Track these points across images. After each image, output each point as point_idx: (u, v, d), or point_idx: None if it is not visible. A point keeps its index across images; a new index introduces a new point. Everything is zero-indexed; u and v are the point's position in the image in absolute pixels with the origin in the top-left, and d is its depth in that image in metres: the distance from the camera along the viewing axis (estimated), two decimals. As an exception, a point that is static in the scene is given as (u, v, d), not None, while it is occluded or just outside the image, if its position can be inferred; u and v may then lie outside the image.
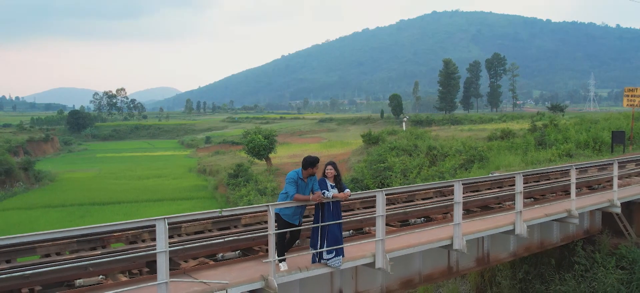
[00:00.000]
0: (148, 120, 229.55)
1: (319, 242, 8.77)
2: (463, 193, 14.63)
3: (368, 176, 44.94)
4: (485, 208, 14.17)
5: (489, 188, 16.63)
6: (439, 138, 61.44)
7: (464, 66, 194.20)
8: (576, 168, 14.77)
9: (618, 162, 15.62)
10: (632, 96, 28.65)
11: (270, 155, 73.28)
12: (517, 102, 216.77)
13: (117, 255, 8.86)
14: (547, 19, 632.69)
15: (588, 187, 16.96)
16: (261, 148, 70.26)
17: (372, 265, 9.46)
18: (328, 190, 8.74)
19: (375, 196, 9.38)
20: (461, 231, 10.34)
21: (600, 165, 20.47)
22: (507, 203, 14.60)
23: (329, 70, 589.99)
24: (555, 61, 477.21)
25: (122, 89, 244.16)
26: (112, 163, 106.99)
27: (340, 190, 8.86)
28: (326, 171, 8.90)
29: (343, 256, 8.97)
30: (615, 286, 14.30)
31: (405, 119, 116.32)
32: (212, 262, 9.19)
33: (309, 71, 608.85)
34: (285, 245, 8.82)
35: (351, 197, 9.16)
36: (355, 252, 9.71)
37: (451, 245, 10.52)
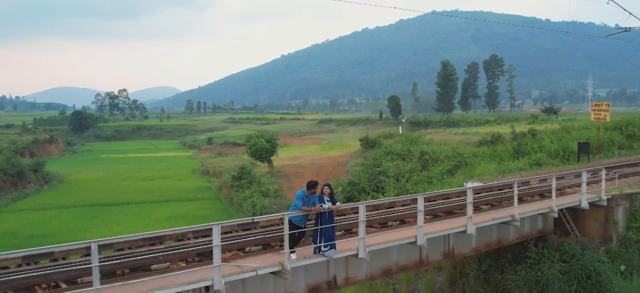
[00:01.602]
0: (149, 120, 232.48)
1: (318, 239, 12.40)
2: (431, 200, 18.21)
3: (364, 179, 48.03)
4: (450, 213, 17.64)
5: (451, 198, 20.13)
6: (432, 142, 64.70)
7: (464, 66, 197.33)
8: (535, 179, 18.24)
9: (578, 171, 19.10)
10: (598, 110, 32.10)
11: (272, 158, 76.43)
12: (516, 102, 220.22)
13: (175, 248, 12.40)
14: (546, 18, 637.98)
15: (539, 194, 20.45)
16: (263, 151, 73.35)
17: (356, 256, 13.00)
18: (325, 203, 12.37)
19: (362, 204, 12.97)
20: (423, 231, 13.86)
21: (545, 177, 23.94)
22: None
23: (328, 70, 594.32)
24: (554, 61, 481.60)
25: (124, 90, 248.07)
26: (117, 164, 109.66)
27: (333, 203, 12.53)
28: (323, 190, 12.56)
29: (335, 249, 12.61)
30: (556, 275, 17.79)
31: (403, 120, 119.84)
32: (242, 254, 12.73)
33: (308, 71, 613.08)
34: (294, 242, 12.44)
35: (341, 207, 12.83)
36: (344, 246, 13.25)
37: (415, 241, 14.02)
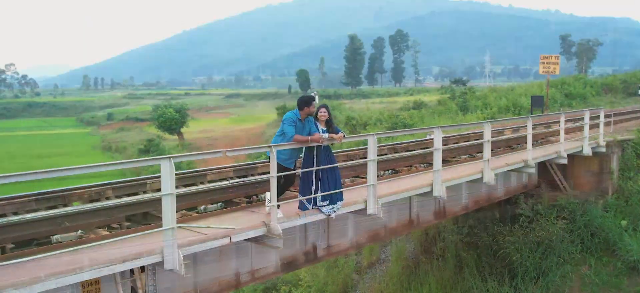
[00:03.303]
0: (42, 97, 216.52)
1: (314, 188, 8.49)
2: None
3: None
4: (445, 162, 14.38)
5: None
6: (353, 110, 62.31)
7: (368, 42, 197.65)
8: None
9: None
10: (547, 63, 30.11)
11: (182, 130, 71.37)
12: (419, 78, 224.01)
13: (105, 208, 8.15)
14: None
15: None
16: (172, 122, 68.28)
17: (363, 211, 9.30)
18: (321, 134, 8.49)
19: (365, 140, 9.19)
20: (441, 177, 10.37)
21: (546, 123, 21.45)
22: (462, 157, 14.93)
23: (232, 46, 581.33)
24: (452, 38, 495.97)
25: (12, 64, 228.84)
26: (5, 143, 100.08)
27: (335, 133, 8.67)
28: (319, 114, 8.68)
29: (342, 201, 8.81)
30: (560, 235, 15.02)
31: (315, 93, 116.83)
32: (194, 214, 8.70)
33: (211, 47, 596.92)
34: (279, 192, 8.47)
35: (346, 138, 8.95)
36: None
37: (430, 191, 10.52)
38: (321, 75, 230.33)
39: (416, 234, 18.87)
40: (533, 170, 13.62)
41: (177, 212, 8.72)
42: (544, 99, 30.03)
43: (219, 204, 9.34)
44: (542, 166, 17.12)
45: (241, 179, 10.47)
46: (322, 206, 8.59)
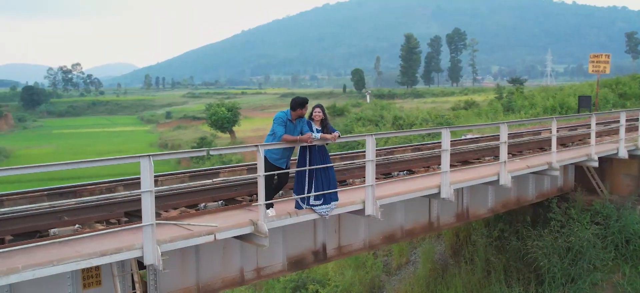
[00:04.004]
0: (106, 96, 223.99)
1: (307, 187, 8.47)
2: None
3: (335, 147, 44.81)
4: (465, 163, 14.05)
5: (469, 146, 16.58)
6: (403, 109, 61.73)
7: (425, 42, 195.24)
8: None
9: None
10: (596, 62, 28.98)
11: (234, 128, 72.50)
12: (477, 77, 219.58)
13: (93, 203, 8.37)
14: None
15: (562, 144, 17.00)
16: (224, 121, 69.52)
17: (361, 212, 9.19)
18: (314, 133, 8.44)
19: (362, 141, 9.08)
20: (449, 179, 10.13)
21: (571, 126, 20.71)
22: (487, 158, 14.54)
23: (289, 46, 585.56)
24: (513, 37, 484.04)
25: (78, 64, 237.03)
26: (69, 140, 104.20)
27: (329, 133, 8.59)
28: (314, 114, 8.63)
29: (337, 201, 8.74)
30: (591, 240, 14.41)
31: (367, 93, 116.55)
32: (193, 211, 8.80)
33: (269, 46, 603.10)
34: (273, 191, 8.51)
35: (341, 138, 8.85)
36: (341, 199, 9.44)
37: (438, 193, 10.28)
38: (377, 74, 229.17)
39: (447, 236, 18.53)
40: (557, 173, 13.06)
41: (177, 209, 8.93)
42: (591, 99, 28.88)
43: (220, 202, 9.40)
44: (580, 169, 16.50)
45: (243, 177, 10.50)
46: (315, 206, 8.55)
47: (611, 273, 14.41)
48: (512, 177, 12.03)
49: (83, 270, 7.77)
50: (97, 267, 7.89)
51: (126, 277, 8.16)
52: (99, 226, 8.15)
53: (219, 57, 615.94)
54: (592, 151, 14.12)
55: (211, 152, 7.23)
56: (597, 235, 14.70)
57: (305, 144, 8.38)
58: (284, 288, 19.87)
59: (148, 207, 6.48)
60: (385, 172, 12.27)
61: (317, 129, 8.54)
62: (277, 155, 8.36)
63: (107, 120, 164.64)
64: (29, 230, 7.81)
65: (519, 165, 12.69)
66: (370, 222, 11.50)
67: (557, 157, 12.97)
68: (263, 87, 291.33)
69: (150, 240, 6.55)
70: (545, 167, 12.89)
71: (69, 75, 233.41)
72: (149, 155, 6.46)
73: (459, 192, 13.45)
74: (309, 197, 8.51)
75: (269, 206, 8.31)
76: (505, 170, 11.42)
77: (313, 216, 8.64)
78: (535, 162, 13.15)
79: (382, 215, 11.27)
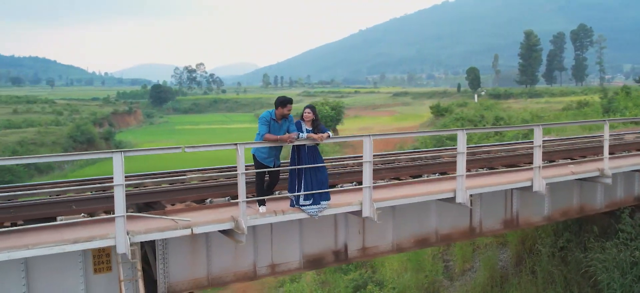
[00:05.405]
0: (227, 94, 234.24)
1: (296, 186, 8.50)
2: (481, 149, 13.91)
3: (430, 146, 43.96)
4: (511, 166, 13.30)
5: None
6: (510, 109, 59.25)
7: (549, 38, 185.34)
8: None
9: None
10: None
11: (338, 127, 73.16)
12: (605, 76, 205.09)
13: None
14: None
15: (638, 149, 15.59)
16: (328, 119, 70.29)
17: (359, 213, 9.04)
18: (303, 132, 8.45)
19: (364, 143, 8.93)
20: (464, 183, 9.66)
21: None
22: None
23: (406, 44, 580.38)
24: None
25: (201, 64, 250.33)
26: (190, 135, 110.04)
27: (320, 132, 8.58)
28: (304, 114, 8.67)
29: (328, 201, 8.70)
30: (660, 256, 13.12)
31: (482, 93, 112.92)
32: (195, 205, 9.11)
33: (386, 45, 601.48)
34: (264, 188, 8.63)
35: (333, 139, 8.79)
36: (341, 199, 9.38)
37: (454, 198, 9.85)
38: (495, 73, 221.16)
39: (513, 243, 17.62)
40: (609, 181, 11.95)
41: (184, 203, 9.28)
42: None
43: (227, 198, 9.65)
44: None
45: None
46: (304, 206, 8.55)
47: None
48: (556, 183, 11.24)
49: (94, 256, 8.36)
50: (108, 254, 8.45)
51: (135, 264, 8.59)
52: (105, 216, 8.66)
53: (336, 56, 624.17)
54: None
55: (186, 149, 7.45)
56: (669, 251, 13.36)
57: (296, 144, 8.45)
58: (346, 287, 19.89)
59: (120, 199, 6.82)
60: (415, 174, 11.93)
61: (307, 129, 8.56)
62: (264, 154, 8.49)
63: (226, 117, 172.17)
64: (42, 217, 8.49)
65: (562, 170, 11.81)
66: (398, 224, 11.25)
67: (611, 164, 11.92)
68: (378, 86, 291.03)
69: (121, 231, 6.89)
70: (596, 173, 11.88)
71: (193, 75, 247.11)
72: (121, 151, 6.80)
73: (507, 197, 12.81)
74: (299, 197, 8.54)
75: (261, 203, 8.47)
76: (539, 176, 10.69)
77: (300, 215, 8.66)
78: (582, 168, 12.15)
79: (410, 218, 11.08)
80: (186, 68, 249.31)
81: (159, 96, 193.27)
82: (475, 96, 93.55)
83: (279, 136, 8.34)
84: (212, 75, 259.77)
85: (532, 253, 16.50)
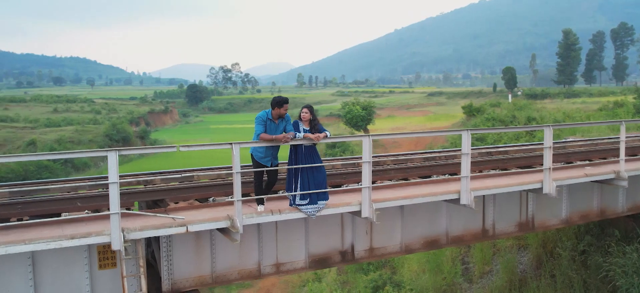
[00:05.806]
0: (261, 94, 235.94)
1: (293, 186, 8.58)
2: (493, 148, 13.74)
3: (458, 145, 43.55)
4: (527, 168, 13.09)
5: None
6: (544, 110, 58.18)
7: (588, 37, 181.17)
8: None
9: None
10: None
11: (369, 127, 73.02)
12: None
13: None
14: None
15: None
16: (359, 119, 70.21)
17: (358, 213, 9.04)
18: (300, 132, 8.52)
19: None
20: (469, 185, 9.56)
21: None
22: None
23: (442, 44, 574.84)
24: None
25: (237, 64, 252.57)
26: (223, 135, 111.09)
27: (317, 133, 8.64)
28: (301, 114, 8.73)
29: (325, 201, 8.73)
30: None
31: (519, 93, 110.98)
32: (197, 203, 9.24)
33: (421, 45, 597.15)
34: (262, 188, 8.72)
35: (332, 139, 8.83)
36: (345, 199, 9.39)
37: (458, 199, 9.76)
38: (532, 72, 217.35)
39: (533, 246, 17.32)
40: (625, 184, 11.65)
41: (187, 201, 9.42)
42: None
43: (230, 197, 9.76)
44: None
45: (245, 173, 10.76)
46: (301, 205, 8.60)
47: None
48: (574, 186, 11.02)
49: (99, 251, 8.57)
50: (113, 250, 8.65)
51: (138, 261, 8.76)
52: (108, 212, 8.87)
53: (371, 56, 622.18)
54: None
55: (181, 148, 7.57)
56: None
57: (293, 144, 8.51)
58: (366, 287, 19.87)
59: (114, 197, 6.97)
60: (425, 175, 11.86)
61: (304, 129, 8.62)
62: (261, 154, 8.60)
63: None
64: (47, 213, 8.74)
65: (575, 172, 11.56)
66: (407, 225, 11.21)
67: (628, 166, 11.63)
68: (413, 86, 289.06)
69: (116, 227, 7.05)
70: (612, 176, 11.60)
71: (229, 75, 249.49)
72: (116, 150, 6.94)
73: (522, 199, 12.63)
74: (296, 196, 8.61)
75: (260, 202, 8.57)
76: (549, 178, 10.50)
77: (299, 215, 8.70)
78: (597, 170, 11.87)
79: (420, 220, 11.03)
80: (222, 68, 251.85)
81: (195, 95, 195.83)
82: (510, 96, 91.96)
83: (274, 136, 8.42)
84: (247, 75, 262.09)
85: (552, 257, 16.19)
